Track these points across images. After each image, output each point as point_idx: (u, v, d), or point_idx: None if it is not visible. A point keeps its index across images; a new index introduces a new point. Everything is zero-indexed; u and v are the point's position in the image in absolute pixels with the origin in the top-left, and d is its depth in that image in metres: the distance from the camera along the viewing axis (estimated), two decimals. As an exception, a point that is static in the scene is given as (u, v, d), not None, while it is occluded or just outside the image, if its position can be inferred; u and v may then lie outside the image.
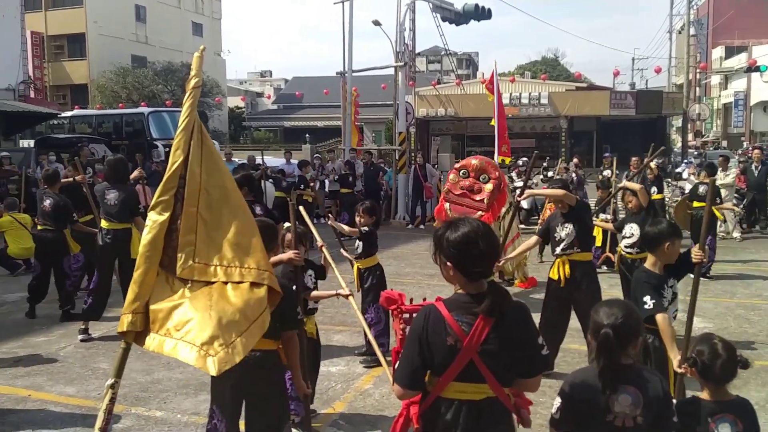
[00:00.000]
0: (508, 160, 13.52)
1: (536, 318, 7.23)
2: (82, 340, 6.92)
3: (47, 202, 7.79)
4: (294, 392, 4.50)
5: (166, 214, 2.96)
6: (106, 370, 5.85)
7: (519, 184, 15.57)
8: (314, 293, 4.76)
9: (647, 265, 4.04)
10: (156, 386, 5.61)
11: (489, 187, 7.01)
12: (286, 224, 4.75)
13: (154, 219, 2.94)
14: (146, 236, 2.93)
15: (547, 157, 26.46)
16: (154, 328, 2.86)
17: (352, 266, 6.42)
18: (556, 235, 5.78)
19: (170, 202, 2.96)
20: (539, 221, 16.08)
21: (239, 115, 51.26)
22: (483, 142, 29.46)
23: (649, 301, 3.75)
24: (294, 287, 3.69)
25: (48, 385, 5.72)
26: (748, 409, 2.72)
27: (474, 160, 7.34)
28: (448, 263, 2.47)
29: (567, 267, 5.71)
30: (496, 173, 7.37)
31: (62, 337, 7.09)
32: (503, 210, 8.93)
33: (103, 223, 7.08)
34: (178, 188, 2.99)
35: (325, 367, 6.06)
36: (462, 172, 7.13)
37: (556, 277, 5.78)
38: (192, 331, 2.74)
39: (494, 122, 11.81)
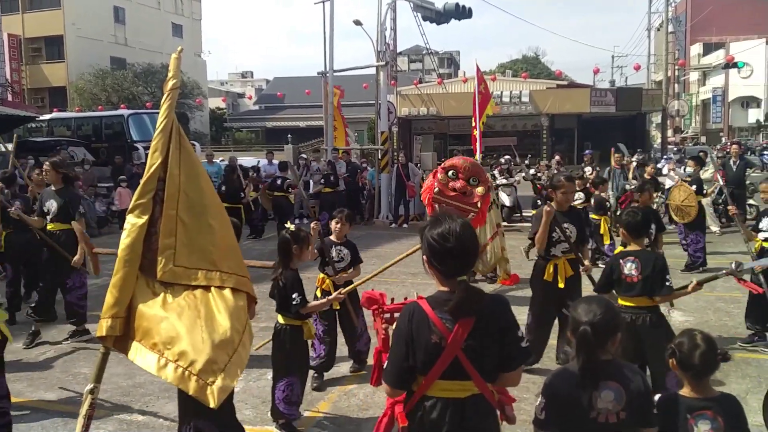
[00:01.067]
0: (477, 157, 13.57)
1: (524, 312, 7.29)
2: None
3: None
4: (284, 396, 4.53)
5: (145, 217, 2.94)
6: (87, 375, 5.78)
7: (502, 181, 15.66)
8: (310, 305, 4.75)
9: None
10: (138, 390, 5.56)
11: (480, 190, 7.04)
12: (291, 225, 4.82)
13: (133, 222, 2.92)
14: (125, 240, 2.91)
15: (529, 155, 26.59)
16: (138, 336, 2.83)
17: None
18: (555, 234, 5.58)
19: (149, 204, 2.95)
20: (519, 218, 16.21)
21: (220, 116, 51.02)
22: (465, 140, 29.48)
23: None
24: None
25: (28, 391, 5.65)
26: (732, 405, 2.69)
27: (460, 161, 7.35)
28: (424, 257, 2.51)
29: (569, 267, 5.65)
30: (485, 176, 7.42)
31: (42, 342, 7.00)
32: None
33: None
34: (157, 191, 2.97)
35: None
36: (451, 172, 7.12)
37: (551, 279, 5.62)
38: (187, 355, 2.71)
39: (477, 123, 11.84)
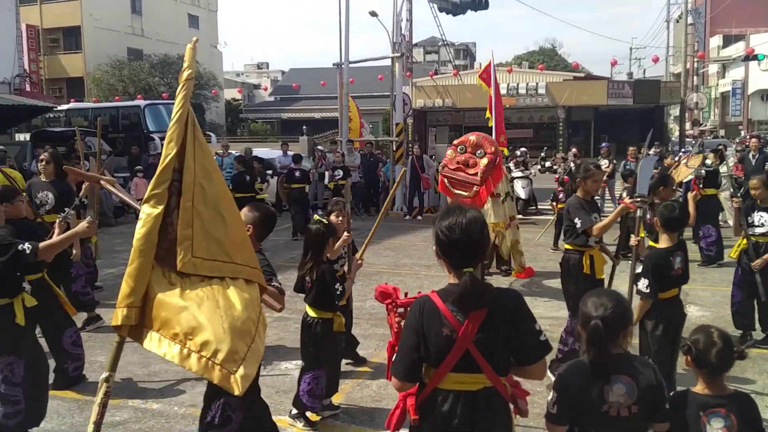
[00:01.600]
0: (506, 151, 13.49)
1: (541, 305, 7.24)
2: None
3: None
4: (309, 388, 4.52)
5: (160, 207, 2.94)
6: (103, 363, 5.81)
7: (517, 174, 15.58)
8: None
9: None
10: (153, 378, 5.61)
11: (484, 161, 7.09)
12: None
13: (148, 212, 2.93)
14: (140, 230, 2.91)
15: (545, 147, 26.44)
16: (155, 325, 2.85)
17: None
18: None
19: (164, 195, 2.95)
20: (535, 211, 16.13)
21: (236, 108, 51.13)
22: (481, 132, 29.42)
23: None
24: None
25: (45, 378, 5.71)
26: (747, 403, 2.65)
27: (472, 136, 7.45)
28: (435, 248, 2.51)
29: (602, 257, 5.56)
30: (492, 148, 7.45)
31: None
32: (501, 197, 8.94)
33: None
34: (172, 181, 2.97)
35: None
36: (459, 147, 7.24)
37: (590, 270, 5.41)
38: (209, 345, 2.74)
39: (489, 115, 11.80)
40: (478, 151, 7.13)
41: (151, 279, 2.88)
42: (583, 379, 2.54)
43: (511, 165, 15.66)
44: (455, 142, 7.54)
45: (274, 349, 6.38)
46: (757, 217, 6.39)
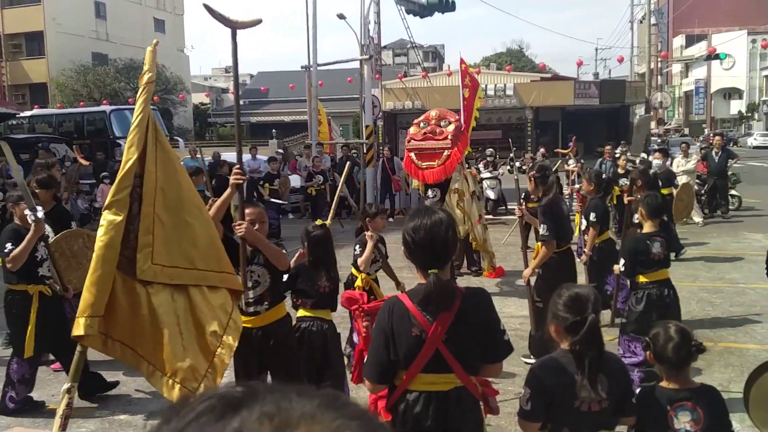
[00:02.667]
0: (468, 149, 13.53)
1: (512, 304, 7.28)
2: None
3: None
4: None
5: (122, 214, 2.89)
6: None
7: (486, 175, 15.67)
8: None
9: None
10: (120, 388, 5.50)
11: (451, 127, 7.14)
12: None
13: (110, 219, 2.88)
14: (102, 237, 2.86)
15: (514, 148, 26.67)
16: (119, 335, 2.80)
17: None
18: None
19: (125, 201, 2.90)
20: (504, 211, 16.24)
21: (204, 112, 50.65)
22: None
23: None
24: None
25: (9, 391, 5.58)
26: (713, 396, 2.69)
27: (433, 111, 7.51)
28: (404, 250, 2.50)
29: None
30: (455, 117, 7.55)
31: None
32: (466, 195, 9.02)
33: None
34: (134, 187, 2.93)
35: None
36: (422, 123, 7.28)
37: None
38: (169, 364, 2.72)
39: (465, 116, 11.87)
40: (442, 122, 7.20)
41: (113, 287, 2.84)
42: (559, 374, 2.55)
43: (480, 166, 15.75)
44: (416, 120, 7.55)
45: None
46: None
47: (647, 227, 5.10)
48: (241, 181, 3.60)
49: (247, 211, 3.66)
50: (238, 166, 3.83)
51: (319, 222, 4.69)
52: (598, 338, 2.52)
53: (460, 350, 2.41)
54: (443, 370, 2.41)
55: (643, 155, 14.72)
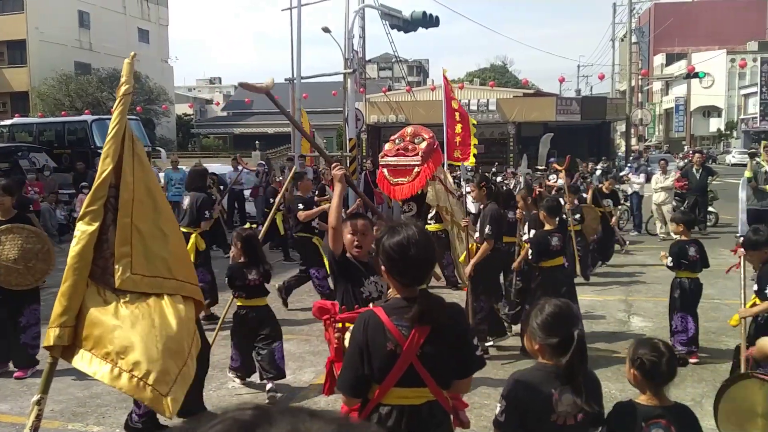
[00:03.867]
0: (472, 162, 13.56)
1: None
2: None
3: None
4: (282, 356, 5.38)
5: (96, 224, 2.89)
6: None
7: (468, 189, 15.74)
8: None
9: None
10: (94, 401, 5.45)
11: (423, 144, 7.26)
12: None
13: (83, 229, 2.87)
14: (75, 247, 2.85)
15: (496, 163, 26.83)
16: (88, 344, 2.79)
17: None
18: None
19: (100, 211, 2.90)
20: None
21: (188, 123, 50.48)
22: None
23: None
24: None
25: (-19, 403, 5.51)
26: (685, 414, 2.71)
27: (408, 128, 7.65)
28: (383, 267, 2.50)
29: None
30: (430, 134, 7.67)
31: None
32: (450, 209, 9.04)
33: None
34: (109, 197, 2.93)
35: (271, 376, 6.02)
36: (397, 140, 7.41)
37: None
38: (141, 365, 2.70)
39: (450, 127, 11.92)
40: (416, 138, 7.32)
41: (85, 297, 2.83)
42: (536, 388, 2.58)
43: (462, 181, 15.81)
44: (392, 137, 7.67)
45: (221, 368, 6.28)
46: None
47: (548, 226, 6.40)
48: (341, 173, 3.52)
49: (359, 222, 3.58)
50: (337, 163, 4.06)
51: (247, 225, 5.21)
52: (585, 351, 2.56)
53: (433, 365, 2.42)
54: (416, 384, 2.42)
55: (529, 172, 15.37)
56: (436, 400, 2.46)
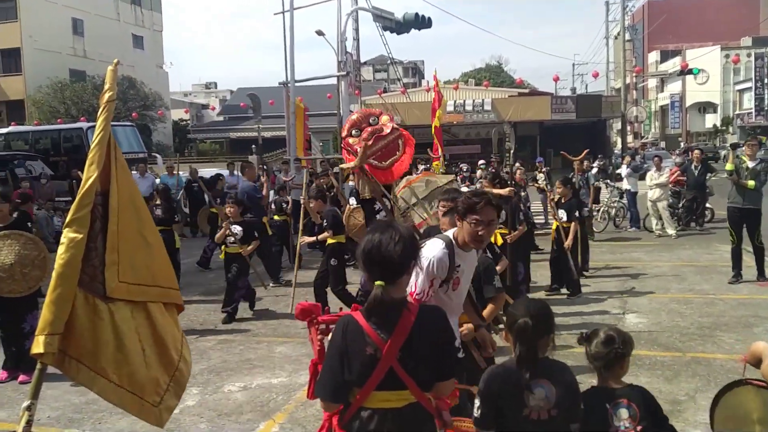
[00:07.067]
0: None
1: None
2: None
3: None
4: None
5: (83, 232, 2.89)
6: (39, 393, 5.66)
7: (464, 189, 15.77)
8: None
9: None
10: (90, 407, 5.46)
11: (385, 119, 7.00)
12: None
13: (71, 237, 2.87)
14: (63, 255, 2.85)
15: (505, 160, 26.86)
16: (78, 354, 2.80)
17: None
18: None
19: (86, 219, 2.90)
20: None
21: (184, 128, 50.49)
22: (429, 149, 29.72)
23: None
24: None
25: (-23, 411, 5.53)
26: (641, 392, 2.83)
27: (353, 116, 7.25)
28: (360, 268, 2.53)
29: None
30: (377, 111, 7.35)
31: None
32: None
33: None
34: (95, 205, 2.94)
35: (266, 378, 6.06)
36: (353, 132, 6.97)
37: None
38: (131, 377, 2.72)
39: (435, 126, 11.93)
40: (371, 119, 7.02)
41: (74, 305, 2.84)
42: (507, 382, 2.61)
43: (458, 180, 15.85)
44: (343, 135, 7.23)
45: (217, 372, 6.30)
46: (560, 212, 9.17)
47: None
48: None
49: None
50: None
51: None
52: (528, 341, 2.59)
53: (414, 368, 2.42)
54: (397, 387, 2.43)
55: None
56: (418, 402, 2.47)
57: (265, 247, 10.32)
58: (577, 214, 9.11)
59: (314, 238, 8.67)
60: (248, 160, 22.39)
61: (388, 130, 6.84)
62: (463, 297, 3.42)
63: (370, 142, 6.46)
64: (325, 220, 8.18)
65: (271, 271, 10.65)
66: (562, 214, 9.08)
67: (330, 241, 7.97)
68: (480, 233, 3.21)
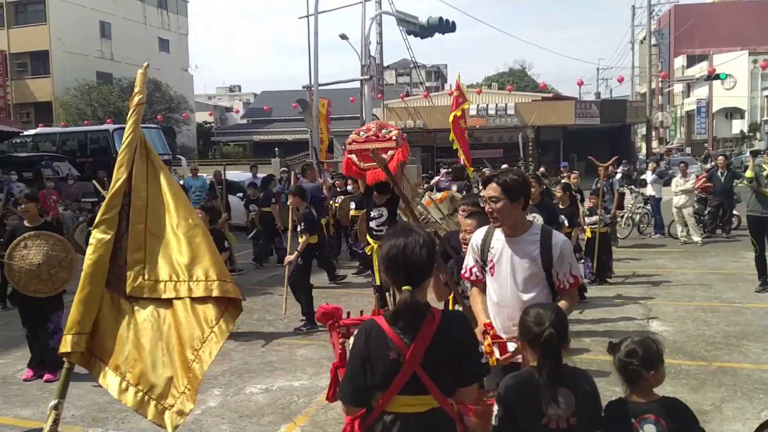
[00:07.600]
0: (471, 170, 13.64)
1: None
2: None
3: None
4: None
5: (111, 233, 2.93)
6: (77, 393, 5.74)
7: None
8: None
9: None
10: (114, 406, 5.51)
11: (393, 134, 7.06)
12: None
13: (99, 238, 2.92)
14: (91, 256, 2.89)
15: (515, 167, 26.72)
16: (102, 355, 2.83)
17: None
18: None
19: (115, 219, 2.95)
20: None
21: (208, 130, 50.96)
22: (452, 153, 29.61)
23: None
24: None
25: (4, 408, 5.61)
26: (675, 408, 2.71)
27: (371, 124, 7.41)
28: (382, 272, 2.53)
29: None
30: (396, 128, 7.45)
31: (19, 359, 6.94)
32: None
33: None
34: (123, 206, 2.97)
35: (287, 381, 6.07)
36: (362, 132, 7.15)
37: None
38: (146, 378, 2.73)
39: (453, 137, 11.91)
40: (383, 130, 7.10)
41: (101, 305, 2.87)
42: (527, 391, 2.58)
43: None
44: (355, 131, 7.40)
45: (239, 374, 6.33)
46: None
47: None
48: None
49: None
50: None
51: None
52: (555, 352, 2.56)
53: (436, 373, 2.41)
54: (420, 392, 2.42)
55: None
56: (440, 407, 2.46)
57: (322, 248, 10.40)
58: (582, 219, 9.71)
59: (297, 253, 8.12)
60: (279, 162, 22.49)
61: (387, 140, 6.93)
62: (509, 289, 3.39)
63: (362, 140, 6.68)
64: (301, 224, 8.14)
65: (327, 269, 10.84)
66: (562, 219, 9.08)
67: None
68: (488, 209, 3.41)
